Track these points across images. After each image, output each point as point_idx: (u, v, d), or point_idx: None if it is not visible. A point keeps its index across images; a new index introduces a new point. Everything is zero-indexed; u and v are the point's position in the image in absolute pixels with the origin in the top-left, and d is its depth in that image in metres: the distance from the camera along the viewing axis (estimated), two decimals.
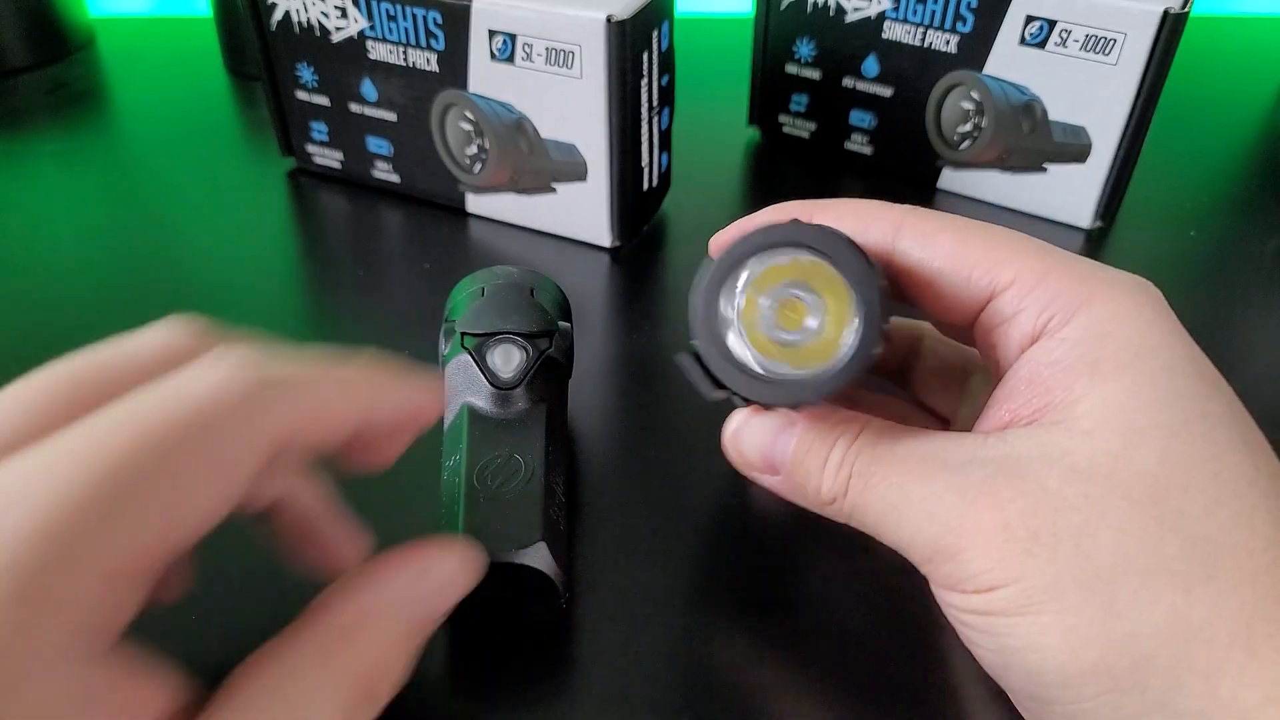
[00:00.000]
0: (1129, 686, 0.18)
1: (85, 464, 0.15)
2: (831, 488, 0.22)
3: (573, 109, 0.39)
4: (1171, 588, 0.18)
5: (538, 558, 0.24)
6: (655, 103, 0.40)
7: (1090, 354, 0.20)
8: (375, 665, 0.19)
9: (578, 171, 0.40)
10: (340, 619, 0.19)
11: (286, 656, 0.18)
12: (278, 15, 0.42)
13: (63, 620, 0.14)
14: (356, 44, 0.41)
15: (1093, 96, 0.40)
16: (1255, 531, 0.18)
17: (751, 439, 0.23)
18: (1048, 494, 0.19)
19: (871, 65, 0.44)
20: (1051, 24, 0.39)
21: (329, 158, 0.46)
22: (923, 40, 0.42)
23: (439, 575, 0.21)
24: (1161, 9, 0.37)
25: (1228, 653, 0.18)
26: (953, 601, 0.20)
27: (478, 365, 0.27)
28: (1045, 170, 0.43)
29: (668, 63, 0.40)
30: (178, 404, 0.16)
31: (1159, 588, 0.18)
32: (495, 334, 0.28)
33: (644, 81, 0.39)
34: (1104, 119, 0.40)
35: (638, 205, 0.42)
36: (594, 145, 0.39)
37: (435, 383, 0.22)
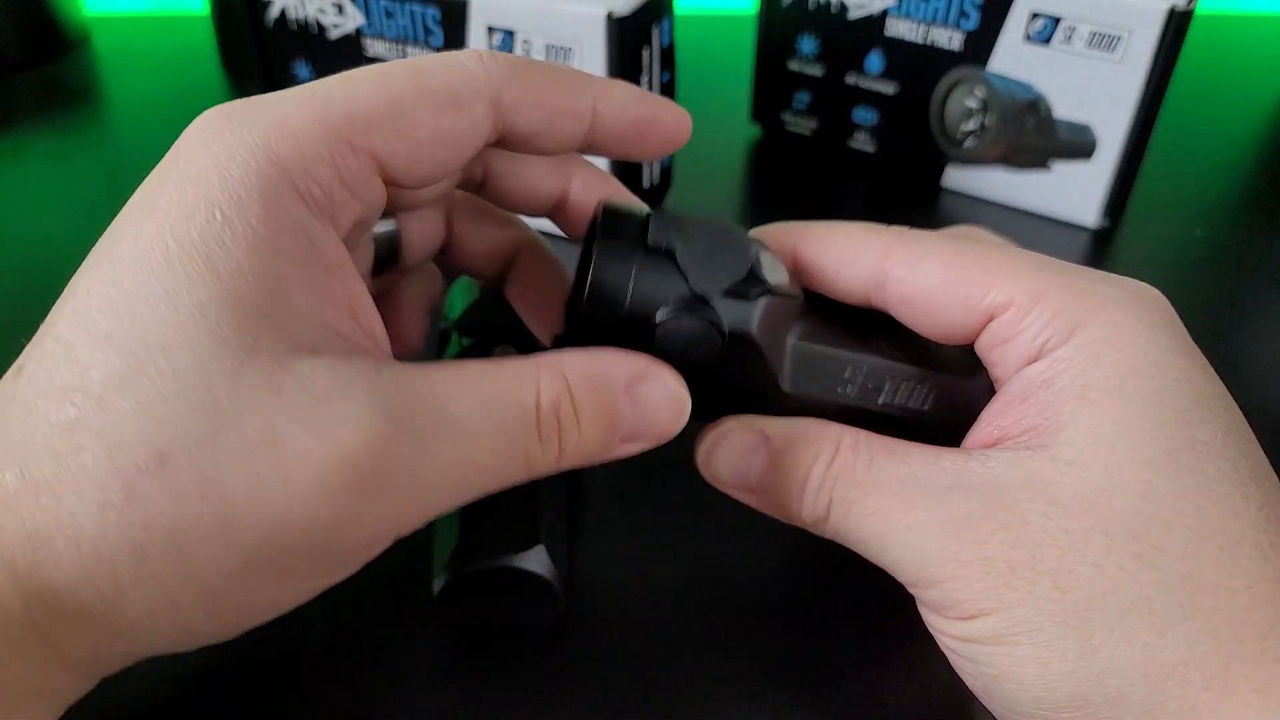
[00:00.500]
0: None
1: (326, 82, 0.19)
2: (812, 511, 0.21)
3: None
4: (1147, 627, 0.18)
5: (536, 562, 0.24)
6: None
7: (1080, 377, 0.20)
8: (567, 408, 0.19)
9: None
10: (562, 363, 0.20)
11: (511, 360, 0.19)
12: (274, 12, 0.42)
13: (298, 167, 0.18)
14: (353, 41, 0.41)
15: (1098, 94, 0.39)
16: (1238, 569, 0.18)
17: (723, 457, 0.22)
18: (1028, 527, 0.19)
19: (874, 62, 0.44)
20: (1056, 21, 0.39)
21: None
22: (926, 37, 0.42)
23: (650, 402, 0.20)
24: (1167, 6, 0.36)
25: (1201, 695, 0.18)
26: (937, 625, 0.21)
27: None
28: (1050, 168, 0.42)
29: (668, 59, 0.40)
30: (420, 59, 0.20)
31: (1134, 626, 0.18)
32: (493, 334, 0.28)
33: (644, 79, 0.38)
34: (1110, 117, 0.40)
35: None
36: None
37: (679, 108, 0.23)
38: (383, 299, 0.27)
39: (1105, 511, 0.18)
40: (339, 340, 0.18)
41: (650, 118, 0.22)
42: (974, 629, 0.19)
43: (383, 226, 0.24)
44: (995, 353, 0.21)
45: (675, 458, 0.32)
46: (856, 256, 0.22)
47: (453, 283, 0.31)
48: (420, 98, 0.19)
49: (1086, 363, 0.20)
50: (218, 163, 0.18)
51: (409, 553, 0.26)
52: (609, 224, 0.21)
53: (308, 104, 0.18)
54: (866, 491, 0.21)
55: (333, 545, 0.18)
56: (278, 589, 0.18)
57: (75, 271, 0.19)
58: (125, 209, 0.19)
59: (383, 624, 0.25)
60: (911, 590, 0.21)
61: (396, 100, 0.19)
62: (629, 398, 0.20)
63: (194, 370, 0.16)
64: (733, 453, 0.22)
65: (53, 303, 0.19)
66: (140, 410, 0.16)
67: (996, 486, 0.19)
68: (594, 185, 0.25)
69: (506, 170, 0.24)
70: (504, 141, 0.21)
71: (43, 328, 0.18)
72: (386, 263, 0.24)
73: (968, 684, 0.21)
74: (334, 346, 0.18)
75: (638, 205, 0.22)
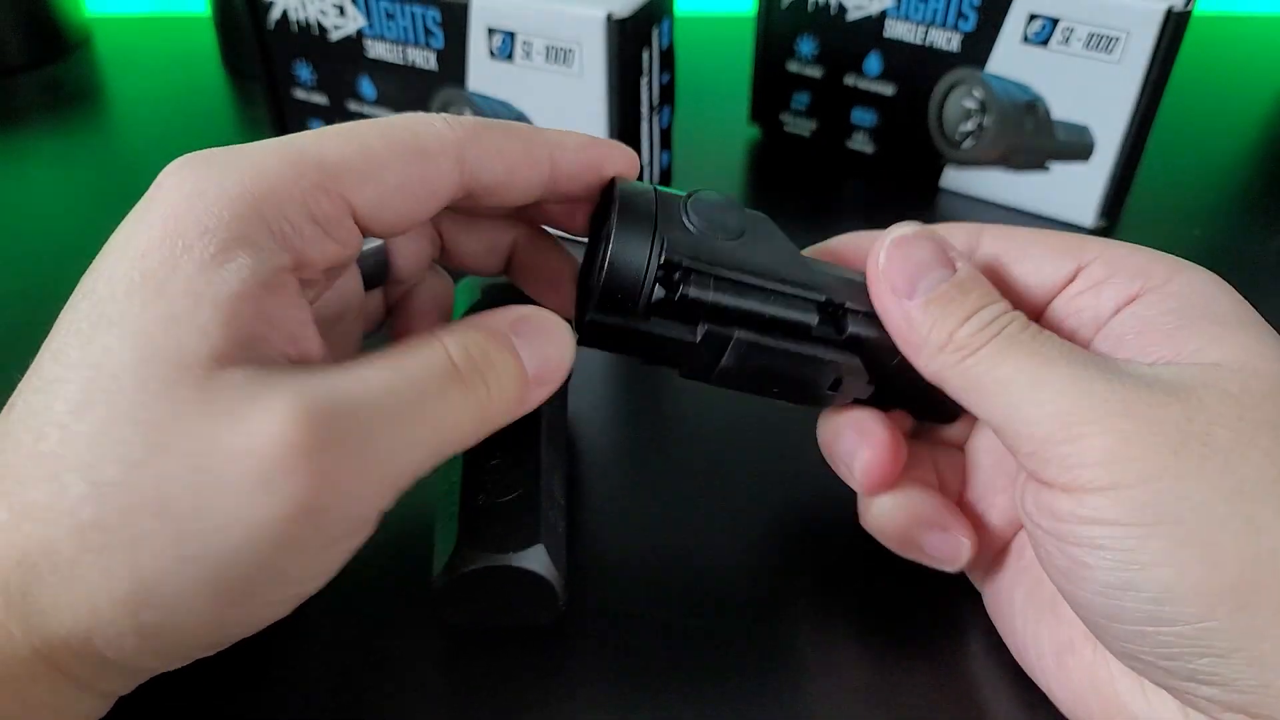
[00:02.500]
0: (1261, 604, 0.18)
1: (300, 135, 0.20)
2: (969, 336, 0.21)
3: (572, 107, 0.38)
4: None
5: (535, 561, 0.24)
6: (655, 101, 0.40)
7: (1208, 308, 0.21)
8: (478, 358, 0.20)
9: None
10: (463, 325, 0.21)
11: (416, 338, 0.20)
12: (275, 14, 0.42)
13: (270, 204, 0.19)
14: (354, 42, 0.41)
15: (1096, 95, 0.39)
16: None
17: (911, 256, 0.22)
18: (1205, 407, 0.19)
19: (873, 63, 0.44)
20: (1054, 22, 0.39)
21: None
22: (924, 38, 0.42)
23: (539, 333, 0.21)
24: (1165, 7, 0.36)
25: None
26: (1063, 508, 0.19)
27: None
28: (1048, 169, 0.42)
29: (668, 61, 0.40)
30: (390, 118, 0.21)
31: None
32: None
33: (644, 80, 0.38)
34: (1107, 118, 0.40)
35: None
36: None
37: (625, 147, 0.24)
38: (396, 311, 0.28)
39: (1272, 409, 0.19)
40: (271, 357, 0.18)
41: (602, 157, 0.23)
42: (1121, 505, 0.18)
43: (367, 244, 0.25)
44: (1084, 297, 0.23)
45: (674, 456, 0.32)
46: (949, 234, 0.24)
47: (457, 285, 0.31)
48: (390, 150, 0.20)
49: (1207, 298, 0.21)
50: (189, 199, 0.18)
51: (409, 552, 0.26)
52: (626, 208, 0.22)
53: (282, 150, 0.19)
54: (1035, 337, 0.21)
55: (307, 534, 0.18)
56: (265, 598, 0.19)
57: (78, 271, 0.19)
58: (105, 246, 0.19)
59: (383, 623, 0.26)
60: (1036, 455, 0.20)
61: (368, 152, 0.20)
62: (520, 338, 0.21)
63: (135, 392, 0.17)
64: (928, 252, 0.22)
65: (56, 303, 0.19)
66: (95, 436, 0.17)
67: (1160, 376, 0.20)
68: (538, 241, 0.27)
69: (459, 235, 0.26)
70: (471, 196, 0.22)
71: (33, 365, 0.19)
72: (376, 278, 0.25)
73: (1082, 591, 0.20)
74: (262, 359, 0.18)
75: (646, 185, 0.23)
